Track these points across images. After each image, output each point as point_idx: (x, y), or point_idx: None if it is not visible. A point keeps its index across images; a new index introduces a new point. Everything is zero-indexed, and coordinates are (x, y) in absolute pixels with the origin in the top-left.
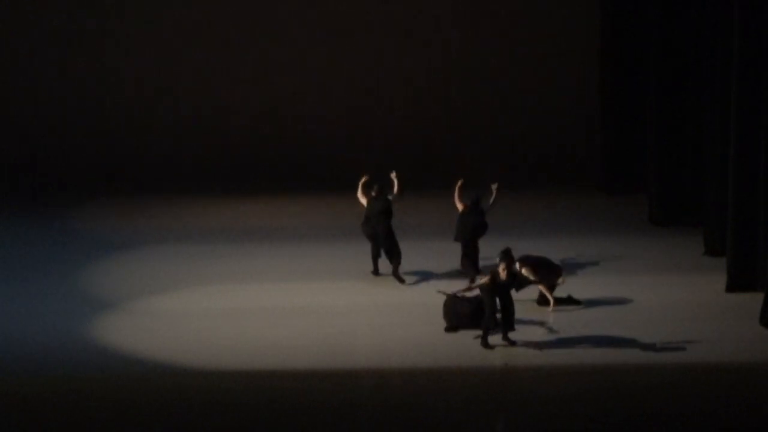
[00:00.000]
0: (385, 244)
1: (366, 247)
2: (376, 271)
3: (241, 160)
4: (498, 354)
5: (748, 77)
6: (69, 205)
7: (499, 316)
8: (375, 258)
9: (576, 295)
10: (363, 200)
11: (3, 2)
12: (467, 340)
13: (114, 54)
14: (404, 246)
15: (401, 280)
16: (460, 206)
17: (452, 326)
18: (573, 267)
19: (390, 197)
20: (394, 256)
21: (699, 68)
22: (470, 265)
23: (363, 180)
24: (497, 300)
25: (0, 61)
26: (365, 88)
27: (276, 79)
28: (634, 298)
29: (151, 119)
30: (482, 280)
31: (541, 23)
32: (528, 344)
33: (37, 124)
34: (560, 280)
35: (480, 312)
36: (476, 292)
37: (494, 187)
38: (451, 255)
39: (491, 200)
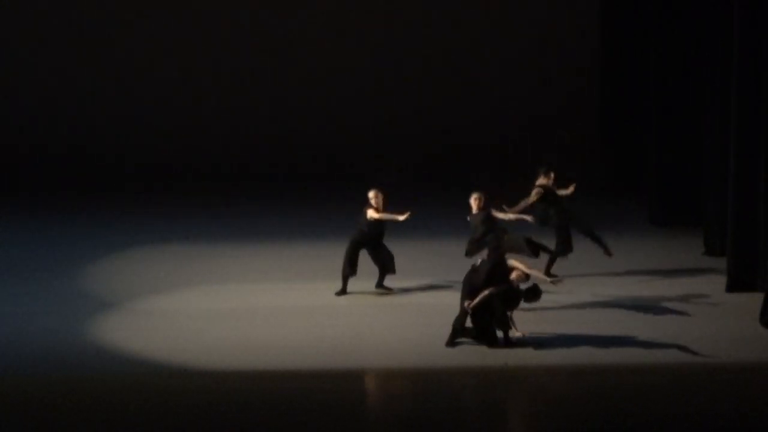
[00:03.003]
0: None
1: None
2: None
3: (241, 159)
4: (498, 354)
5: (748, 77)
6: (69, 204)
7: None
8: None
9: (576, 295)
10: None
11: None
12: (467, 340)
13: (113, 54)
14: (405, 246)
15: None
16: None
17: (453, 342)
18: (573, 267)
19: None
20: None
21: (699, 68)
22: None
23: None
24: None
25: (1, 60)
26: (364, 87)
27: (276, 79)
28: (634, 298)
29: (151, 120)
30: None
31: (541, 23)
32: (528, 344)
33: (38, 124)
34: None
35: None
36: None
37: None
38: (451, 255)
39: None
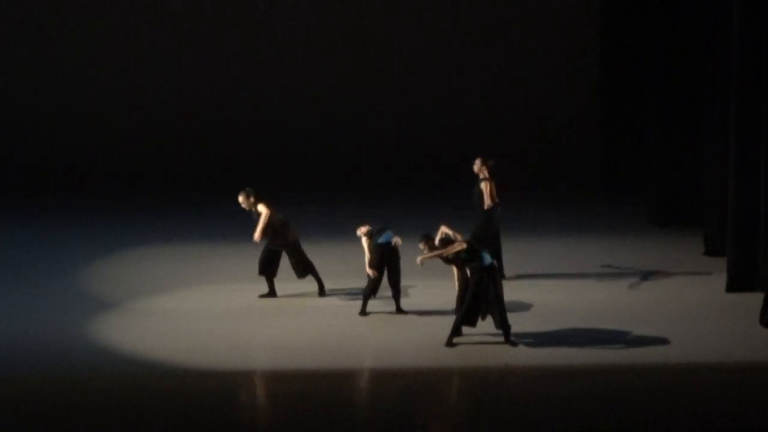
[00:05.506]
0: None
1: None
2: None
3: (240, 160)
4: (498, 354)
5: (748, 77)
6: (69, 204)
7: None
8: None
9: (576, 295)
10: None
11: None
12: (467, 340)
13: (113, 55)
14: (406, 247)
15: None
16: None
17: (453, 342)
18: (573, 267)
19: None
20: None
21: (698, 68)
22: None
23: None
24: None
25: (1, 60)
26: (362, 88)
27: (276, 80)
28: (634, 298)
29: (151, 119)
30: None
31: (541, 23)
32: (528, 344)
33: (38, 123)
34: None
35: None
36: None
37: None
38: None
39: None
